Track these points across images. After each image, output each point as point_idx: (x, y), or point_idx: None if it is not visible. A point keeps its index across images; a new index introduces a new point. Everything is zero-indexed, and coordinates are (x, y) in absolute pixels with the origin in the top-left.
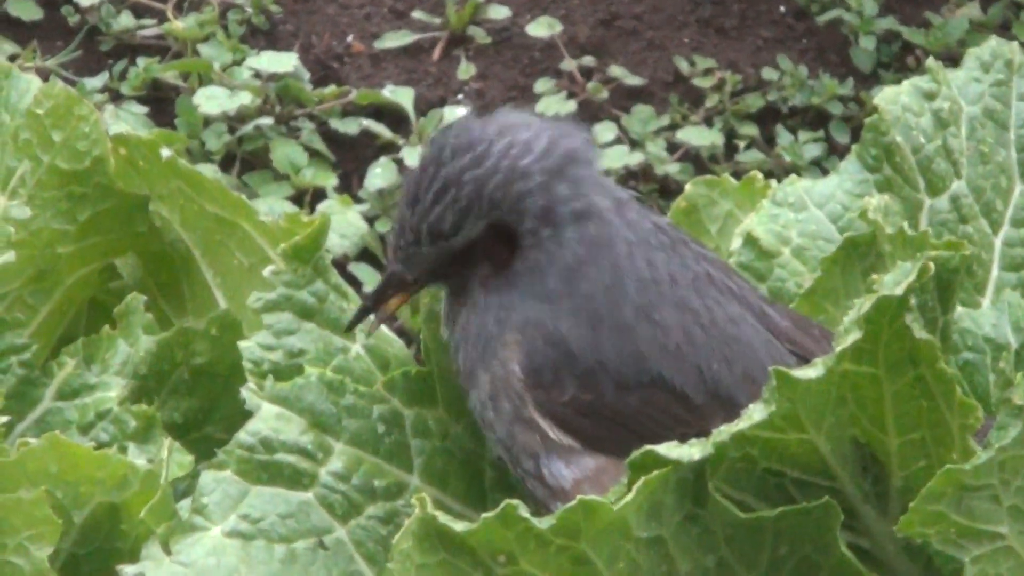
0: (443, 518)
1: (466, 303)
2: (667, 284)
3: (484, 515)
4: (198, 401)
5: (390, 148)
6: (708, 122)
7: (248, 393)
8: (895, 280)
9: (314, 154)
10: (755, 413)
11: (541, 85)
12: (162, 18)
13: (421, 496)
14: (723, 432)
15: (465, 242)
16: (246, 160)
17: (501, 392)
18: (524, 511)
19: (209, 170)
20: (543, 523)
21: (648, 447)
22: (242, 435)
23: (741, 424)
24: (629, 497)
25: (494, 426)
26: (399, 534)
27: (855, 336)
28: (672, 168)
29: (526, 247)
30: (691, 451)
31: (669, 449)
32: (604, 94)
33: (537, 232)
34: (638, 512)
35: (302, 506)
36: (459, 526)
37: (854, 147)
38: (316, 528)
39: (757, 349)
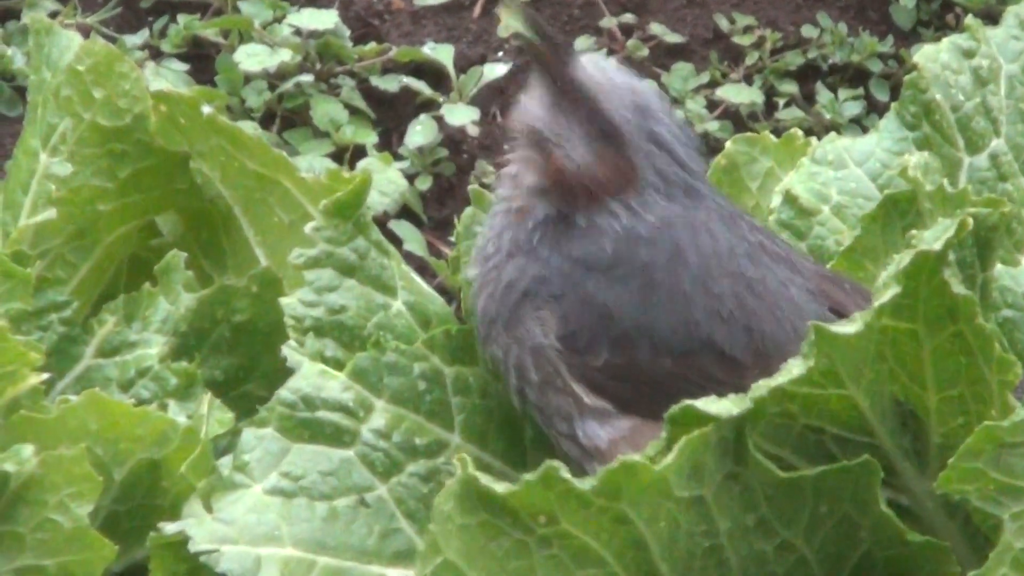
0: (484, 479)
1: (508, 243)
2: (726, 256)
3: (525, 476)
4: (238, 358)
5: (430, 105)
6: (748, 80)
7: (289, 351)
8: (934, 236)
9: (354, 111)
10: (794, 368)
11: (581, 43)
12: None
13: (462, 456)
14: (761, 387)
15: (611, 134)
16: (286, 117)
17: (529, 361)
18: (565, 472)
19: (249, 127)
20: (584, 484)
21: (686, 402)
22: (283, 392)
23: (780, 379)
24: (670, 458)
25: (523, 391)
26: (440, 495)
27: (894, 291)
28: (712, 126)
29: (625, 203)
30: (729, 406)
31: (707, 404)
32: (644, 51)
33: (646, 183)
34: (679, 472)
35: (343, 463)
36: (500, 487)
37: (893, 105)
38: (357, 486)
39: (803, 310)
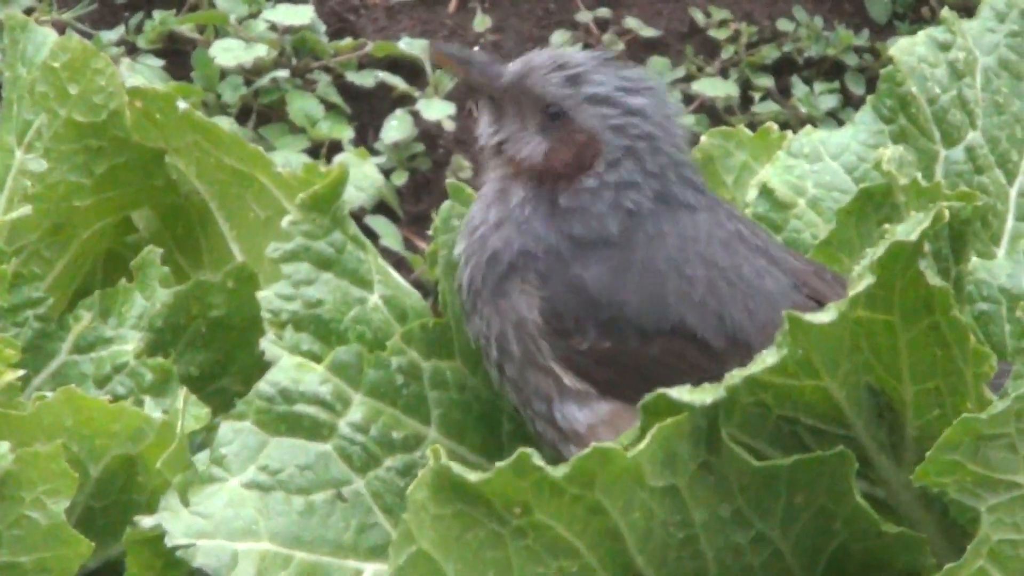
0: (457, 468)
1: (495, 214)
2: (703, 242)
3: (498, 464)
4: (214, 354)
5: (406, 100)
6: (724, 73)
7: (267, 344)
8: (908, 228)
9: (330, 107)
10: (768, 357)
11: (557, 37)
12: None
13: (436, 447)
14: (735, 376)
15: (557, 114)
16: (262, 113)
17: (511, 334)
18: (538, 460)
19: (225, 123)
20: (557, 471)
21: (660, 390)
22: (262, 385)
23: (754, 368)
24: (643, 444)
25: (503, 365)
26: (413, 485)
27: (868, 281)
28: (688, 120)
29: (598, 175)
30: (703, 395)
31: (681, 393)
32: (620, 46)
33: (617, 163)
34: (652, 460)
35: (321, 457)
36: (473, 476)
37: (869, 98)
38: (334, 480)
39: (779, 300)
